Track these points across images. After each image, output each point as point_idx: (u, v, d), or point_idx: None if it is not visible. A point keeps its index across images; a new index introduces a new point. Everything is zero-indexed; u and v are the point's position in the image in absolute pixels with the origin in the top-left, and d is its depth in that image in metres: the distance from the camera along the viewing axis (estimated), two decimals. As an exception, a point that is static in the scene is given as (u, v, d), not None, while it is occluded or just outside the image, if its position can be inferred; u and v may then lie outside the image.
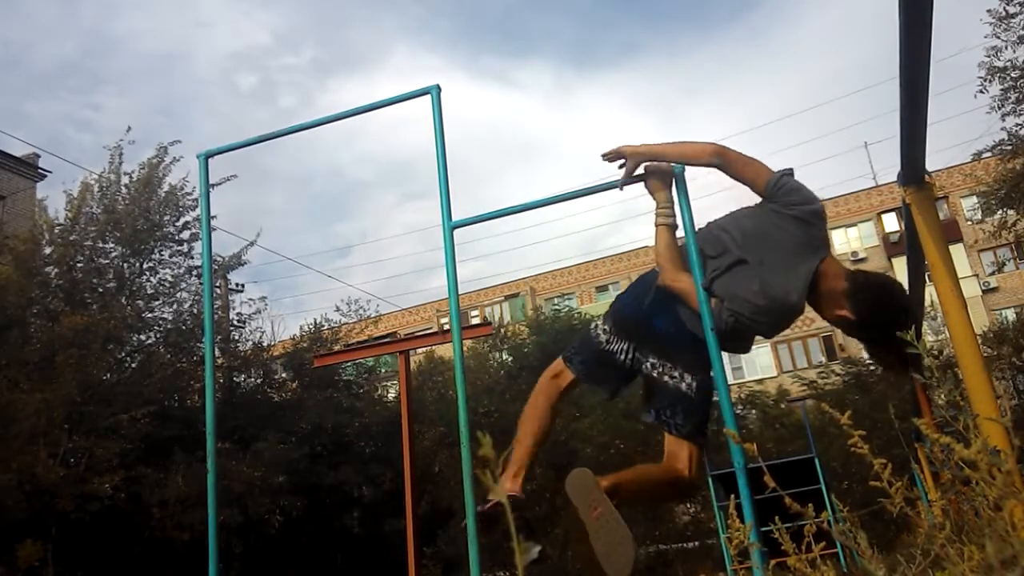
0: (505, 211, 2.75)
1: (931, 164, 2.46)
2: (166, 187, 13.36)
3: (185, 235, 13.51)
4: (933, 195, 2.38)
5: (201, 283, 12.99)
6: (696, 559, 12.22)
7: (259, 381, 15.32)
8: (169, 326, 13.24)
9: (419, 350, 18.86)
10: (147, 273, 13.26)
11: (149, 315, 13.13)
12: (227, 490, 10.76)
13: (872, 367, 16.41)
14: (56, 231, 12.67)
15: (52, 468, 9.58)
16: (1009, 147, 11.79)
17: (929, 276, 2.41)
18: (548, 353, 16.08)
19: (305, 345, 15.86)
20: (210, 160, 3.15)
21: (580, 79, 74.75)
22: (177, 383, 12.81)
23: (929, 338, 13.17)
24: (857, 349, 28.18)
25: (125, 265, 13.00)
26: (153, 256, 13.24)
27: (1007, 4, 10.86)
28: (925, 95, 1.99)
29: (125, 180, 13.19)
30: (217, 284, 14.87)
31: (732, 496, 1.98)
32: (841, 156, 60.89)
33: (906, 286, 2.82)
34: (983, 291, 29.21)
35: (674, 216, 2.44)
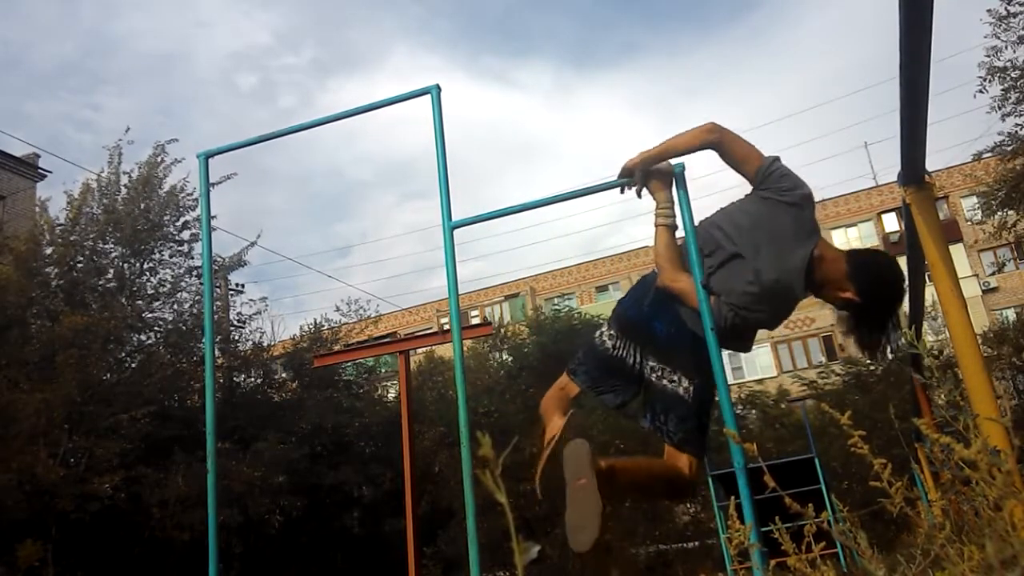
0: (505, 211, 2.75)
1: (931, 164, 2.46)
2: (166, 187, 13.37)
3: (185, 235, 13.53)
4: (933, 195, 2.38)
5: (201, 283, 13.00)
6: (696, 559, 12.21)
7: (259, 381, 15.32)
8: (169, 326, 13.24)
9: (419, 350, 18.87)
10: (147, 273, 13.27)
11: (149, 315, 13.14)
12: (227, 490, 10.76)
13: (872, 367, 16.42)
14: (57, 231, 12.67)
15: (52, 468, 9.58)
16: (1009, 147, 11.79)
17: (929, 276, 2.41)
18: (548, 353, 16.09)
19: (305, 345, 15.87)
20: (210, 160, 3.15)
21: (580, 79, 74.77)
22: (177, 383, 12.81)
23: (929, 338, 13.17)
24: (857, 349, 28.15)
25: (125, 265, 13.00)
26: (153, 256, 13.25)
27: (1007, 4, 10.86)
28: (925, 95, 1.99)
29: (125, 180, 13.20)
30: (217, 284, 14.87)
31: (732, 496, 1.98)
32: (841, 156, 60.92)
33: (906, 286, 2.82)
34: (983, 291, 29.21)
35: (674, 216, 2.44)
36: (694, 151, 2.42)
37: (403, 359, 8.06)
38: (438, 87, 2.73)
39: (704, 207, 2.42)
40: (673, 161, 2.45)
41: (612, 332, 2.54)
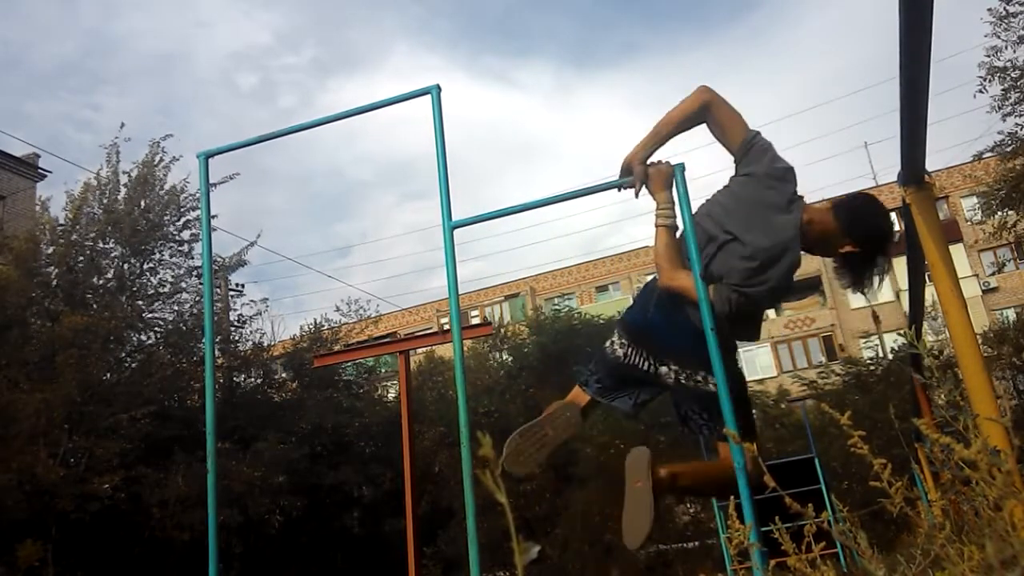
0: (505, 211, 2.75)
1: (931, 164, 2.47)
2: (166, 186, 13.36)
3: (185, 235, 13.53)
4: (933, 195, 2.39)
5: (201, 283, 13.00)
6: (696, 559, 12.22)
7: (259, 381, 15.32)
8: (169, 326, 13.24)
9: (419, 350, 18.87)
10: (147, 273, 13.27)
11: (149, 315, 13.14)
12: (227, 490, 10.76)
13: (872, 367, 16.44)
14: (57, 231, 12.66)
15: (52, 468, 9.58)
16: (1009, 147, 11.79)
17: (929, 276, 2.42)
18: (548, 353, 16.09)
19: (305, 345, 15.87)
20: (210, 160, 3.16)
21: (580, 79, 74.75)
22: (177, 383, 12.81)
23: (929, 338, 13.18)
24: (857, 349, 28.21)
25: (125, 265, 13.00)
26: (153, 256, 13.25)
27: (1007, 4, 10.85)
28: (925, 95, 1.99)
29: (124, 179, 13.19)
30: (217, 285, 14.87)
31: (732, 496, 1.98)
32: (841, 156, 60.78)
33: (906, 286, 2.84)
34: (983, 291, 29.21)
35: (674, 216, 2.43)
36: (692, 121, 2.43)
37: (403, 359, 8.06)
38: (438, 87, 2.73)
39: (704, 207, 2.42)
40: (673, 161, 2.45)
41: (622, 340, 2.55)
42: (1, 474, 9.10)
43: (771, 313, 32.48)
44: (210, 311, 3.24)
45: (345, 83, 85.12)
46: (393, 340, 10.10)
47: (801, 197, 2.39)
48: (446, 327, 12.84)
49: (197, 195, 13.20)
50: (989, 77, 11.27)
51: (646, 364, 2.49)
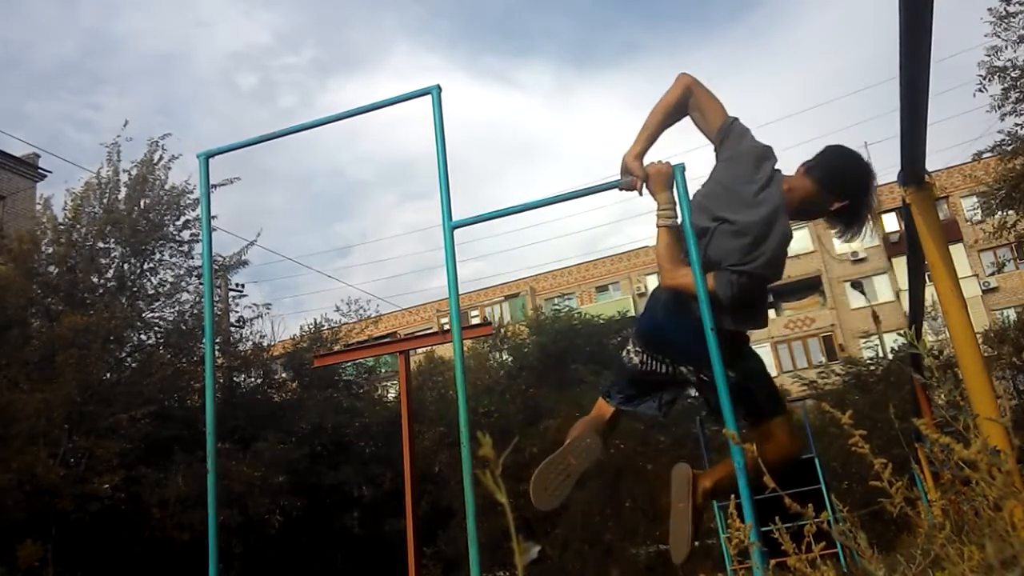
0: (505, 211, 2.75)
1: (931, 164, 2.47)
2: (167, 186, 13.35)
3: (185, 235, 13.51)
4: (933, 195, 2.39)
5: (201, 283, 12.99)
6: (696, 559, 12.18)
7: (259, 381, 15.32)
8: (169, 326, 13.23)
9: (419, 350, 18.86)
10: (147, 273, 13.26)
11: (149, 315, 13.13)
12: (227, 490, 10.76)
13: (872, 367, 16.44)
14: (58, 230, 12.65)
15: (52, 468, 9.57)
16: (1009, 147, 11.78)
17: (929, 276, 2.41)
18: (548, 353, 16.11)
19: (305, 345, 15.87)
20: (211, 160, 3.16)
21: (580, 79, 74.74)
22: (177, 383, 12.81)
23: (929, 338, 13.18)
24: (857, 349, 28.20)
25: (125, 265, 12.99)
26: (154, 256, 13.24)
27: (1007, 4, 10.85)
28: (925, 95, 1.99)
29: (124, 178, 13.17)
30: (218, 285, 14.87)
31: (732, 496, 1.98)
32: (841, 156, 60.65)
33: (906, 286, 2.86)
34: (983, 291, 29.20)
35: (675, 217, 2.43)
36: (679, 109, 2.46)
37: (403, 359, 8.06)
38: (438, 87, 2.73)
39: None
40: (673, 161, 2.45)
41: (637, 348, 2.58)
42: (1, 474, 9.09)
43: (771, 313, 32.50)
44: (210, 311, 3.25)
45: (345, 83, 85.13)
46: (393, 340, 10.10)
47: (779, 170, 2.42)
48: (446, 327, 12.84)
49: (197, 195, 13.20)
50: (989, 77, 11.26)
51: (663, 368, 2.52)
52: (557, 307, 19.97)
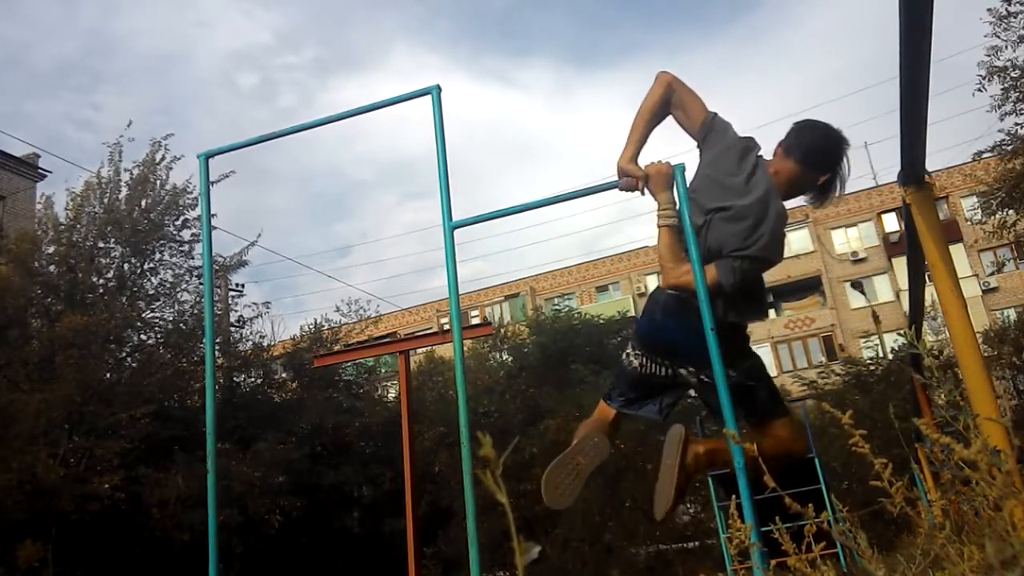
0: (505, 211, 2.75)
1: (931, 164, 2.47)
2: (168, 186, 13.34)
3: (186, 235, 13.51)
4: (933, 195, 2.38)
5: (201, 283, 12.99)
6: (696, 559, 12.19)
7: (259, 381, 15.32)
8: (169, 326, 13.23)
9: (419, 350, 18.87)
10: (148, 273, 13.26)
11: (149, 315, 13.13)
12: (227, 490, 10.75)
13: (872, 367, 16.43)
14: (59, 230, 12.64)
15: (52, 468, 9.57)
16: (1009, 147, 11.78)
17: (929, 276, 2.41)
18: (548, 353, 16.08)
19: (305, 345, 15.86)
20: (211, 159, 3.16)
21: (580, 79, 74.78)
22: (177, 383, 12.80)
23: (929, 338, 13.17)
24: (857, 349, 28.19)
25: (126, 265, 12.99)
26: (154, 256, 13.24)
27: (1007, 4, 10.84)
28: (925, 95, 1.99)
29: (125, 178, 13.17)
30: (218, 285, 14.86)
31: (732, 496, 1.98)
32: (841, 156, 60.72)
33: (906, 286, 2.86)
34: (983, 291, 29.20)
35: (676, 216, 2.44)
36: (664, 106, 2.49)
37: (403, 359, 8.06)
38: (438, 87, 2.73)
39: (704, 207, 2.44)
40: (673, 162, 2.46)
41: (636, 351, 2.58)
42: (1, 474, 9.09)
43: (771, 313, 32.48)
44: (210, 311, 3.25)
45: (345, 83, 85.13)
46: (393, 340, 10.10)
47: (761, 156, 2.47)
48: (446, 327, 12.83)
49: (197, 194, 13.20)
50: (989, 77, 11.26)
51: (663, 370, 2.52)
52: (557, 307, 19.95)
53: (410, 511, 7.42)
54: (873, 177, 33.70)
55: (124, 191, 13.05)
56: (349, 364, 16.22)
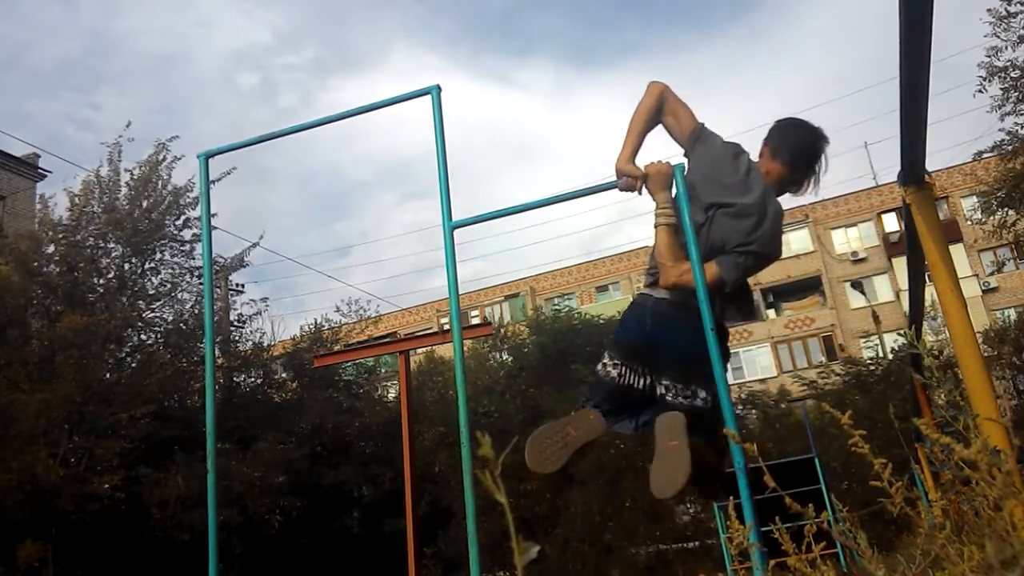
0: (505, 211, 2.75)
1: (931, 164, 2.47)
2: (169, 187, 13.34)
3: (187, 235, 13.51)
4: (933, 195, 2.38)
5: (202, 283, 12.98)
6: (696, 559, 12.21)
7: (259, 381, 15.31)
8: (169, 326, 13.23)
9: (419, 350, 18.86)
10: (148, 273, 13.26)
11: (149, 315, 13.13)
12: (227, 490, 10.75)
13: (872, 367, 16.44)
14: (59, 230, 12.64)
15: (52, 468, 9.57)
16: (1009, 147, 11.78)
17: (929, 276, 2.41)
18: (548, 353, 16.08)
19: (305, 345, 15.86)
20: (211, 159, 3.16)
21: (580, 79, 74.80)
22: (177, 383, 12.80)
23: (929, 338, 13.17)
24: (857, 349, 28.19)
25: (126, 265, 12.99)
26: (154, 256, 13.24)
27: (1007, 4, 10.85)
28: (925, 95, 1.99)
29: (126, 178, 13.17)
30: (218, 285, 14.86)
31: (732, 496, 1.98)
32: (841, 156, 60.60)
33: (906, 286, 2.87)
34: (983, 291, 29.19)
35: (675, 216, 2.43)
36: (657, 112, 2.52)
37: (403, 359, 8.05)
38: (438, 87, 2.73)
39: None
40: (673, 162, 2.46)
41: (615, 360, 2.52)
42: (1, 474, 9.09)
43: (771, 313, 32.50)
44: (210, 311, 3.25)
45: (345, 83, 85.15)
46: (393, 340, 10.10)
47: (751, 159, 2.52)
48: (446, 327, 12.83)
49: (196, 194, 13.19)
50: (989, 77, 11.26)
51: (642, 382, 2.46)
52: (557, 307, 19.95)
53: (410, 511, 7.42)
54: (873, 177, 33.74)
55: (124, 191, 13.05)
56: (349, 364, 16.22)
